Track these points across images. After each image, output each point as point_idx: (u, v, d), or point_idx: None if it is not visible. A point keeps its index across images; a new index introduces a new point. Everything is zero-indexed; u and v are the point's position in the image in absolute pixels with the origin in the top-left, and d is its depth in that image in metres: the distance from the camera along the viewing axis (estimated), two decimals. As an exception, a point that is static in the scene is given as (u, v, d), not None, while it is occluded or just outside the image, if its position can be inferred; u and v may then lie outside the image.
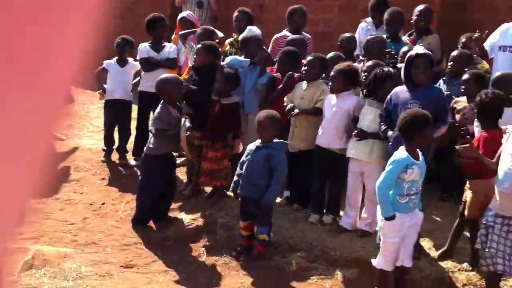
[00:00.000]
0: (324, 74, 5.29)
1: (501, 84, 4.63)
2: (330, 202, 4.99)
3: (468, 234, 4.24)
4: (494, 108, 4.07)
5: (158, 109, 5.04)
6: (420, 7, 6.16)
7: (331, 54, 5.72)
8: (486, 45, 5.53)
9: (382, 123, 4.48)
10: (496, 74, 4.98)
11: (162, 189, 4.99)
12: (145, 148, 5.11)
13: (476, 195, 4.03)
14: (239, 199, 4.76)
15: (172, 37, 7.03)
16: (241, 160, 4.61)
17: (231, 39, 6.58)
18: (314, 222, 4.90)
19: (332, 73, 4.87)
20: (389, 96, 4.47)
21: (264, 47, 6.10)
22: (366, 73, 4.94)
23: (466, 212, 4.14)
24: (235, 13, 6.63)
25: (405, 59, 4.47)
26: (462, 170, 4.17)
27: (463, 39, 5.83)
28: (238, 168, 4.61)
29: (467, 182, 4.19)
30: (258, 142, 4.51)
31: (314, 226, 4.87)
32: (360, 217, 4.78)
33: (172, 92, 5.02)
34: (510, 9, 6.54)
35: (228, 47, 6.54)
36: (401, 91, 4.42)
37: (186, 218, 5.02)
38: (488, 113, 4.10)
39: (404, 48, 5.46)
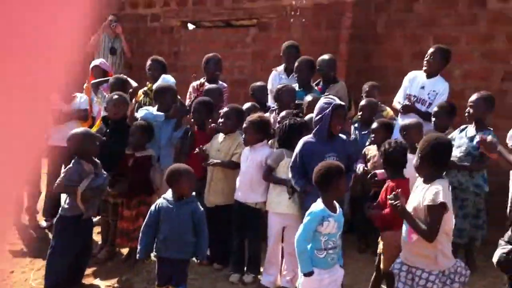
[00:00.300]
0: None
1: (407, 132, 4.88)
2: (250, 259, 4.92)
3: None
4: (398, 158, 4.21)
5: (70, 164, 4.76)
6: (325, 56, 6.34)
7: (247, 105, 5.76)
8: (400, 96, 5.82)
9: (295, 176, 4.46)
10: (402, 122, 5.22)
11: (76, 254, 4.64)
12: (60, 208, 4.77)
13: (388, 246, 4.09)
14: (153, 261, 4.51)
15: (84, 86, 6.87)
16: (149, 220, 4.20)
17: (145, 88, 6.51)
18: (235, 282, 4.82)
19: (244, 125, 4.87)
20: (299, 148, 4.44)
21: (179, 97, 6.08)
22: (279, 123, 5.00)
23: (381, 265, 4.19)
24: (148, 62, 6.60)
25: (330, 110, 4.36)
26: (373, 221, 4.26)
27: (366, 88, 6.09)
28: (146, 229, 4.20)
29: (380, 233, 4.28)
30: (169, 198, 4.18)
31: (235, 285, 4.79)
32: (281, 273, 4.72)
33: (86, 147, 4.71)
34: (411, 57, 6.95)
35: (141, 97, 6.45)
36: (313, 142, 4.42)
37: (101, 284, 4.77)
38: (393, 162, 4.22)
39: (308, 98, 5.53)
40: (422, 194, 3.47)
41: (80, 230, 4.65)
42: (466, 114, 4.94)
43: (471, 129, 4.92)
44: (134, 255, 4.80)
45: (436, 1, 7.00)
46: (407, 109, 5.56)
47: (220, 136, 5.21)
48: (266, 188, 4.80)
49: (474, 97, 4.94)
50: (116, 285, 4.76)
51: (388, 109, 5.98)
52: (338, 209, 3.77)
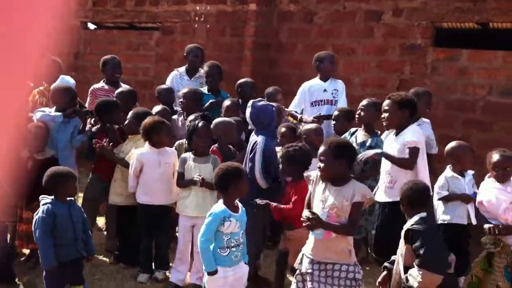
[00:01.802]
0: None
1: (307, 136, 5.09)
2: (158, 257, 4.90)
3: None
4: (299, 161, 4.33)
5: None
6: (248, 79, 6.40)
7: (158, 108, 5.67)
8: (293, 106, 6.11)
9: (264, 174, 4.53)
10: (303, 127, 5.41)
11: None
12: None
13: (294, 243, 4.16)
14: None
15: None
16: (44, 228, 3.87)
17: (41, 87, 6.19)
18: (144, 281, 4.74)
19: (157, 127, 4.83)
20: (262, 147, 4.51)
21: (78, 98, 5.85)
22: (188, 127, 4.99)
23: (290, 260, 4.24)
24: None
25: (274, 111, 4.68)
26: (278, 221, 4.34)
27: (269, 91, 6.22)
28: (44, 236, 3.87)
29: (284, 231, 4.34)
30: (53, 201, 3.96)
31: (143, 285, 4.71)
32: (191, 271, 4.72)
33: None
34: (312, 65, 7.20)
35: (37, 96, 6.12)
36: (272, 142, 4.63)
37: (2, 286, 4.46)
38: (294, 164, 4.33)
39: (227, 102, 5.70)
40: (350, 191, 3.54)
41: None
42: (357, 117, 5.21)
43: (360, 133, 5.16)
44: (36, 256, 4.57)
45: (335, 14, 7.33)
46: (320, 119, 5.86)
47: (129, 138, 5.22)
48: (172, 189, 4.82)
49: (364, 102, 5.23)
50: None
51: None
52: (241, 209, 3.79)
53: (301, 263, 3.66)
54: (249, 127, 5.39)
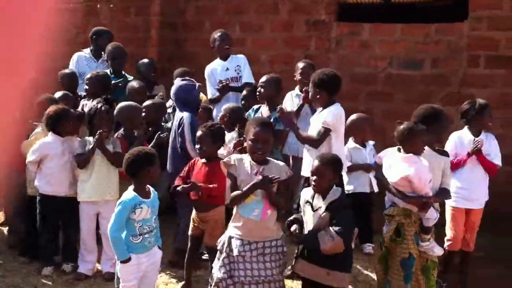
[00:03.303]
0: None
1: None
2: (67, 249, 4.77)
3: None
4: (220, 140, 4.36)
5: None
6: (145, 60, 6.32)
7: (59, 94, 5.42)
8: (211, 94, 6.14)
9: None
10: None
11: None
12: None
13: (211, 224, 4.19)
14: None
15: None
16: None
17: None
18: (48, 275, 4.60)
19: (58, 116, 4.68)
20: (189, 121, 4.69)
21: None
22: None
23: (206, 242, 4.26)
24: None
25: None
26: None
27: (178, 72, 6.17)
28: None
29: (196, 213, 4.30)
30: None
31: (49, 278, 4.56)
32: (101, 258, 4.63)
33: None
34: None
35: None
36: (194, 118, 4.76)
37: None
38: (216, 143, 4.32)
39: (134, 83, 5.68)
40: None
41: None
42: (258, 93, 5.28)
43: (264, 109, 5.25)
44: None
45: (242, -10, 7.33)
46: (225, 89, 5.97)
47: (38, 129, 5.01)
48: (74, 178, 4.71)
49: (264, 78, 5.30)
50: None
51: (202, 94, 6.15)
52: (152, 194, 3.74)
53: (228, 245, 3.65)
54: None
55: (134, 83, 5.67)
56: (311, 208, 3.70)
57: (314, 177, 3.68)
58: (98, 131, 4.54)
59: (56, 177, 4.63)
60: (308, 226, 3.70)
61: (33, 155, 4.62)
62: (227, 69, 6.12)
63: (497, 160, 4.73)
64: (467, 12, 6.42)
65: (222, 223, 4.18)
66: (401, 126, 4.00)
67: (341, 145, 4.59)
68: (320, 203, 3.67)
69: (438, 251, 4.06)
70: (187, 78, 5.10)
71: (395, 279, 3.96)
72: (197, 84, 4.93)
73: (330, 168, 3.71)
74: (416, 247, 3.94)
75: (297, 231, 3.69)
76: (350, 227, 3.66)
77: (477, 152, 4.63)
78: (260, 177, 3.56)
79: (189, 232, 4.36)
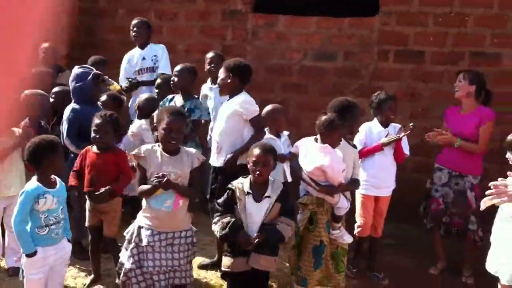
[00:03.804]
0: None
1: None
2: None
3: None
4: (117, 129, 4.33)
5: None
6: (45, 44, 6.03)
7: None
8: (122, 80, 6.03)
9: (73, 140, 4.65)
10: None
11: None
12: None
13: (110, 215, 4.14)
14: None
15: None
16: None
17: None
18: None
19: None
20: (70, 115, 4.66)
21: None
22: None
23: (105, 232, 4.19)
24: None
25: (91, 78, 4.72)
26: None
27: (91, 60, 6.01)
28: None
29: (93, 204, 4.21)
30: None
31: None
32: (5, 253, 4.44)
33: None
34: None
35: None
36: (81, 108, 4.70)
37: None
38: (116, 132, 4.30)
39: None
40: None
41: None
42: (172, 83, 5.22)
43: (179, 98, 5.21)
44: None
45: (156, -23, 7.17)
46: (133, 86, 5.94)
47: None
48: None
49: (178, 67, 5.27)
50: None
51: (115, 83, 5.98)
52: (59, 184, 3.62)
53: (137, 235, 3.62)
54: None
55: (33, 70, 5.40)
56: (253, 199, 3.70)
57: (258, 167, 3.67)
58: None
59: None
60: (253, 217, 3.68)
61: None
62: (144, 58, 6.03)
63: (406, 149, 4.94)
64: (378, 7, 6.63)
65: (120, 212, 4.20)
66: (324, 117, 4.10)
67: (251, 133, 4.64)
68: (268, 193, 3.70)
69: (348, 239, 4.20)
70: (85, 66, 4.96)
71: (306, 265, 4.07)
72: (94, 71, 4.78)
73: (271, 156, 3.75)
74: (327, 235, 4.06)
75: (257, 239, 3.63)
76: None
77: (387, 144, 4.81)
78: (158, 180, 3.53)
79: (87, 224, 4.25)
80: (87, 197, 4.20)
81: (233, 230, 3.60)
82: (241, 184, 3.77)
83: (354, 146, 4.41)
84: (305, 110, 6.54)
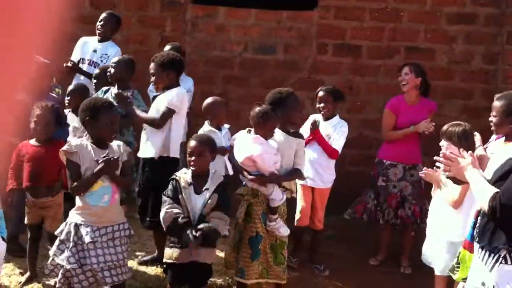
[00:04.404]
0: None
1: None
2: None
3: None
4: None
5: None
6: None
7: None
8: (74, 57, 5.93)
9: None
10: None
11: None
12: None
13: (53, 209, 4.05)
14: None
15: None
16: None
17: None
18: None
19: None
20: None
21: None
22: None
23: (47, 228, 4.11)
24: None
25: None
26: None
27: None
28: None
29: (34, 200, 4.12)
30: None
31: None
32: None
33: None
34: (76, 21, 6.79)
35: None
36: None
37: None
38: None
39: None
40: None
41: None
42: (108, 74, 5.13)
43: (115, 90, 5.11)
44: None
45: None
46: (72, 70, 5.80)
47: None
48: None
49: (115, 58, 5.20)
50: None
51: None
52: None
53: (75, 234, 3.53)
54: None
55: None
56: (194, 191, 3.73)
57: (193, 158, 3.71)
58: None
59: None
60: (194, 208, 3.72)
61: None
62: (95, 50, 5.95)
63: (336, 144, 5.00)
64: (316, 1, 6.72)
65: (62, 206, 4.13)
66: (257, 108, 4.11)
67: (181, 127, 4.75)
68: (207, 185, 3.75)
69: (284, 231, 4.19)
70: None
71: (243, 257, 4.09)
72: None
73: (207, 147, 3.76)
74: (264, 226, 4.10)
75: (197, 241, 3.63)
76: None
77: (313, 130, 4.89)
78: (103, 163, 3.51)
79: (26, 222, 4.13)
80: (27, 193, 4.05)
81: (179, 226, 3.62)
82: (185, 174, 3.79)
83: (299, 136, 4.40)
84: (246, 103, 6.51)
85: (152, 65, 4.59)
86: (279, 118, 4.13)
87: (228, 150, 4.93)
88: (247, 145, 4.09)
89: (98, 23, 6.00)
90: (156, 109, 4.53)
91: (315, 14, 6.72)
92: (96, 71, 5.48)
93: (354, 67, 6.63)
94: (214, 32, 6.85)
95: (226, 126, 5.40)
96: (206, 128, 5.29)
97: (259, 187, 4.08)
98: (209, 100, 5.33)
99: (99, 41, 5.99)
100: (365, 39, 6.61)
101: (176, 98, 4.52)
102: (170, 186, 3.77)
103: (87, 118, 3.57)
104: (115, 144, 3.69)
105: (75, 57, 5.95)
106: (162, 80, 4.55)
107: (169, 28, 6.88)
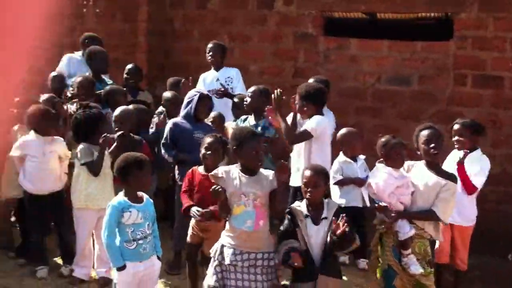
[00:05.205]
0: None
1: None
2: (64, 252, 4.82)
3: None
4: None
5: None
6: (129, 66, 6.32)
7: (45, 96, 5.41)
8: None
9: (166, 150, 4.97)
10: None
11: None
12: None
13: (212, 233, 4.12)
14: None
15: None
16: None
17: None
18: (43, 277, 4.63)
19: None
20: (169, 127, 5.01)
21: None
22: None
23: (205, 250, 4.21)
24: None
25: (197, 98, 5.02)
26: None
27: (170, 81, 6.18)
28: None
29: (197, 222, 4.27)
30: None
31: (43, 281, 4.59)
32: (95, 264, 4.60)
33: None
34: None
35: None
36: (182, 122, 5.02)
37: None
38: None
39: (167, 94, 5.81)
40: None
41: None
42: (245, 103, 5.28)
43: (251, 118, 5.25)
44: None
45: (228, 0, 7.31)
46: (222, 94, 6.05)
47: (15, 126, 5.09)
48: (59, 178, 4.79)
49: (251, 89, 5.31)
50: None
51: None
52: (145, 200, 3.71)
53: (220, 254, 3.63)
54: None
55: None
56: (312, 222, 3.66)
57: (309, 188, 3.67)
58: (104, 136, 4.51)
59: (38, 176, 4.66)
60: (313, 240, 3.64)
61: (16, 150, 4.68)
62: (218, 79, 6.20)
63: (476, 181, 4.67)
64: (452, 31, 6.53)
65: (218, 237, 4.13)
66: (380, 140, 4.08)
67: (323, 156, 4.72)
68: (324, 214, 3.67)
69: (415, 269, 3.93)
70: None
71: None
72: (201, 92, 5.12)
73: (322, 178, 3.72)
74: (396, 261, 3.95)
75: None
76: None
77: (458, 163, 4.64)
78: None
79: (188, 240, 4.31)
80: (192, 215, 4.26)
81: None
82: (299, 207, 3.74)
83: (451, 178, 4.06)
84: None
85: (296, 95, 4.70)
86: (404, 146, 4.03)
87: (364, 181, 4.87)
88: (373, 174, 4.09)
89: (207, 54, 6.26)
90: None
91: (451, 45, 6.53)
92: (235, 100, 5.67)
93: (496, 100, 6.33)
94: (347, 63, 6.88)
95: (362, 157, 5.35)
96: (341, 158, 5.29)
97: (384, 216, 3.97)
98: (343, 130, 5.34)
99: (216, 70, 6.26)
100: (507, 70, 6.29)
101: (315, 124, 4.59)
102: (286, 221, 3.73)
103: (234, 147, 3.69)
104: (265, 172, 3.70)
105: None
106: (302, 110, 4.63)
107: (302, 60, 7.02)
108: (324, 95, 4.84)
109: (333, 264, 3.62)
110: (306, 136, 4.63)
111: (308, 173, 3.73)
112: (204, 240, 4.25)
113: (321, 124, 4.69)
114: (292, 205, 3.80)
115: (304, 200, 3.74)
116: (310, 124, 4.65)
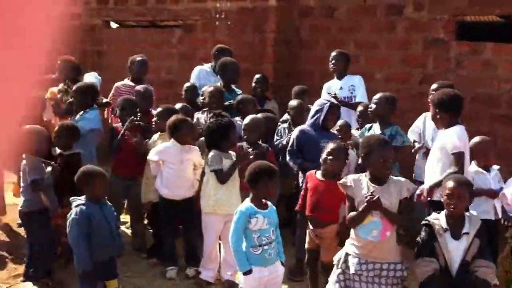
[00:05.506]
0: None
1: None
2: (189, 254, 4.99)
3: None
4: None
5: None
6: (257, 76, 6.47)
7: (179, 105, 5.70)
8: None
9: (292, 157, 5.07)
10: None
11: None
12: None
13: (326, 240, 4.19)
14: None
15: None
16: (80, 229, 3.87)
17: (61, 86, 6.23)
18: (172, 277, 4.85)
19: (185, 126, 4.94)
20: (296, 134, 5.08)
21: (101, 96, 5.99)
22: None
23: (322, 258, 4.27)
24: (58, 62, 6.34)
25: (327, 106, 5.05)
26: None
27: (295, 90, 6.26)
28: (81, 239, 3.85)
29: (312, 228, 4.34)
30: (85, 201, 3.95)
31: (173, 281, 4.80)
32: (221, 267, 4.74)
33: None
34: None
35: (59, 95, 6.18)
36: (309, 129, 5.07)
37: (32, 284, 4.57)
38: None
39: (293, 103, 5.83)
40: None
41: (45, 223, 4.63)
42: (370, 110, 5.21)
43: (377, 126, 5.17)
44: (67, 254, 4.54)
45: (356, 9, 7.30)
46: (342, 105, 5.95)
47: (156, 135, 5.30)
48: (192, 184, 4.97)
49: (377, 96, 5.24)
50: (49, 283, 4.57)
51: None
52: (270, 207, 3.79)
53: (344, 262, 3.65)
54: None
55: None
56: (451, 236, 3.56)
57: (453, 200, 3.55)
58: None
59: (174, 182, 4.88)
60: (452, 256, 3.55)
61: (155, 155, 4.91)
62: (341, 88, 6.19)
63: None
64: None
65: (336, 239, 4.17)
66: None
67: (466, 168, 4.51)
68: (466, 229, 3.55)
69: None
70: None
71: None
72: (331, 102, 5.17)
73: (467, 189, 3.58)
74: None
75: None
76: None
77: None
78: (369, 199, 3.49)
79: (306, 246, 4.38)
80: (308, 221, 4.34)
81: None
82: (437, 220, 3.60)
83: None
84: (515, 143, 6.09)
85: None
86: None
87: (497, 193, 4.62)
88: (509, 184, 3.96)
89: (330, 63, 6.25)
90: (438, 148, 4.47)
91: None
92: (359, 108, 5.64)
93: None
94: (480, 68, 6.55)
95: (495, 167, 5.06)
96: (473, 168, 5.04)
97: None
98: (476, 139, 5.08)
99: (339, 78, 6.23)
100: None
101: (456, 139, 4.36)
102: (423, 233, 3.64)
103: (362, 155, 3.68)
104: (394, 180, 3.62)
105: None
106: (436, 119, 4.50)
107: (431, 66, 6.81)
108: (459, 102, 4.54)
109: (469, 279, 3.48)
110: (462, 158, 4.40)
111: (451, 184, 3.62)
112: (321, 247, 4.28)
113: (461, 136, 4.44)
114: (429, 217, 3.70)
115: (443, 212, 3.63)
116: (451, 142, 4.37)
